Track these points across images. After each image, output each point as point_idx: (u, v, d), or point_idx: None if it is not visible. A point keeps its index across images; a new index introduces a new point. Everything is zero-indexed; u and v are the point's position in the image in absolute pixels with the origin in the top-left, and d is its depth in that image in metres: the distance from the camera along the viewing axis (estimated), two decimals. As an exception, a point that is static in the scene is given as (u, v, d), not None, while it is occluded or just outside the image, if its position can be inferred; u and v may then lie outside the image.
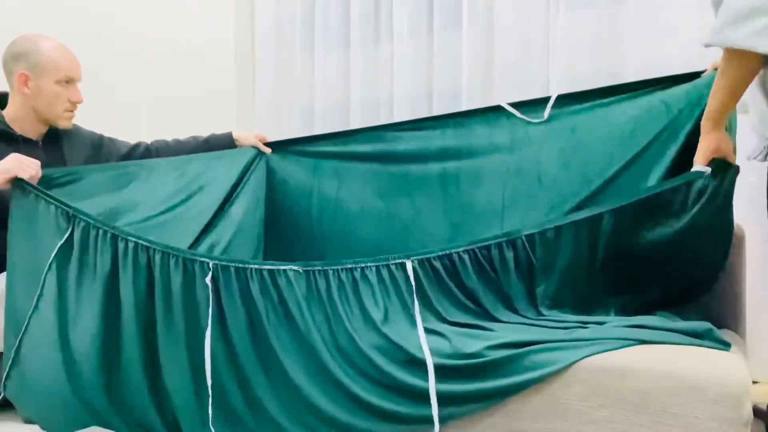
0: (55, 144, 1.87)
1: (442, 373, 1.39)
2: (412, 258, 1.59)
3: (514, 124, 1.94)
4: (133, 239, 1.51)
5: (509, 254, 1.60)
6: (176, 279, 1.47)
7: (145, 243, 1.51)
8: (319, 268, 1.52)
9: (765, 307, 1.85)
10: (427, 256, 1.60)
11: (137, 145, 2.10)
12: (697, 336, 1.39)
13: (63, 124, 1.85)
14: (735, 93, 1.33)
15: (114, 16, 2.63)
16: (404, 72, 2.75)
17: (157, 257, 1.49)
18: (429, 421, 1.37)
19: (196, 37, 2.97)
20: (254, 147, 2.20)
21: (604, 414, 1.28)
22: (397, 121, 2.16)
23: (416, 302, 1.55)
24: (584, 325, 1.50)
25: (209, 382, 1.46)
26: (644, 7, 2.22)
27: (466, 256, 1.60)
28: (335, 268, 1.53)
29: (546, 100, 1.91)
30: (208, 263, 1.47)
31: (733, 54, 1.27)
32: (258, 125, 3.15)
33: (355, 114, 2.88)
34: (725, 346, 1.36)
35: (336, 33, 2.96)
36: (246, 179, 2.12)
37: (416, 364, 1.41)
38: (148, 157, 2.09)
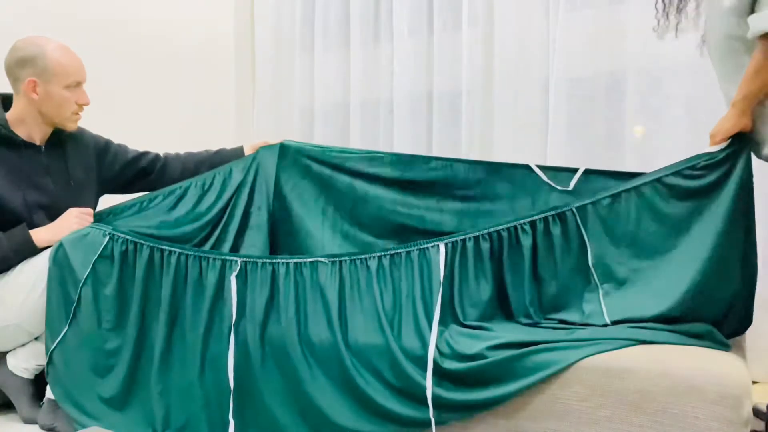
0: (58, 148, 1.85)
1: (445, 376, 1.38)
2: (445, 241, 1.56)
3: (539, 188, 1.88)
4: (168, 247, 1.63)
5: (556, 230, 1.54)
6: (211, 278, 1.59)
7: (177, 249, 1.63)
8: (347, 258, 1.56)
9: (765, 307, 1.85)
10: (461, 237, 1.56)
11: (146, 153, 2.07)
12: (697, 336, 1.39)
13: (70, 126, 1.83)
14: None
15: (114, 16, 2.63)
16: (404, 72, 2.75)
17: (190, 261, 1.61)
18: (430, 423, 1.38)
19: (196, 38, 2.98)
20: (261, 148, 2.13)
21: (604, 414, 1.28)
22: (424, 155, 2.08)
23: (440, 295, 1.51)
24: (584, 325, 1.50)
25: (231, 374, 1.51)
26: (644, 6, 2.22)
27: (505, 235, 1.56)
28: (363, 257, 1.56)
29: (575, 170, 1.87)
30: (236, 260, 1.58)
31: None
32: (258, 125, 3.16)
33: (355, 114, 2.88)
34: (725, 346, 1.36)
35: (336, 33, 2.96)
36: (247, 181, 2.08)
37: (421, 366, 1.41)
38: (157, 164, 2.06)
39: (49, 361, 1.62)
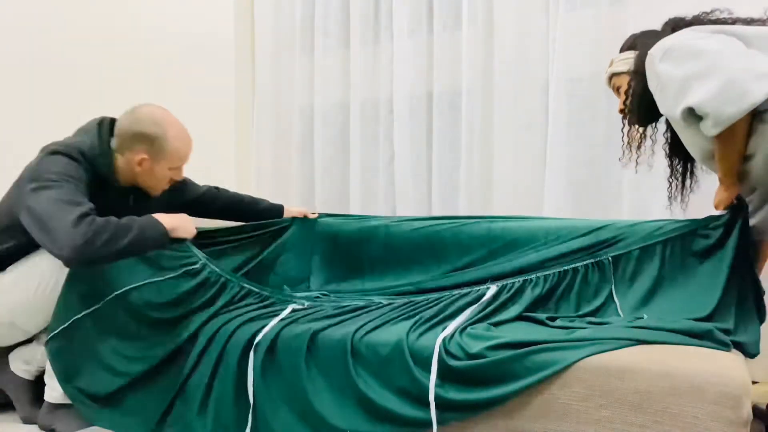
0: (141, 191, 1.85)
1: (446, 376, 1.38)
2: (495, 283, 1.80)
3: None
4: (247, 285, 1.82)
5: (593, 277, 1.78)
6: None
7: (257, 288, 1.82)
8: (395, 301, 1.78)
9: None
10: (510, 281, 1.80)
11: (202, 187, 2.18)
12: (697, 336, 1.39)
13: (154, 194, 1.85)
14: (742, 145, 1.54)
15: (113, 16, 2.63)
16: (404, 72, 2.75)
17: (261, 296, 1.81)
18: (430, 423, 1.38)
19: (196, 38, 2.97)
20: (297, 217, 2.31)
21: (604, 414, 1.28)
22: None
23: (467, 316, 1.62)
24: (584, 325, 1.50)
25: (251, 388, 1.53)
26: (644, 7, 2.22)
27: (549, 277, 1.80)
28: (411, 300, 1.77)
29: None
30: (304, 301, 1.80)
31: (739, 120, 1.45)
32: (258, 125, 3.16)
33: (355, 114, 2.88)
34: (725, 346, 1.36)
35: (336, 33, 2.96)
36: (282, 240, 2.26)
37: (425, 365, 1.41)
38: (208, 196, 2.18)
39: (54, 336, 1.61)
